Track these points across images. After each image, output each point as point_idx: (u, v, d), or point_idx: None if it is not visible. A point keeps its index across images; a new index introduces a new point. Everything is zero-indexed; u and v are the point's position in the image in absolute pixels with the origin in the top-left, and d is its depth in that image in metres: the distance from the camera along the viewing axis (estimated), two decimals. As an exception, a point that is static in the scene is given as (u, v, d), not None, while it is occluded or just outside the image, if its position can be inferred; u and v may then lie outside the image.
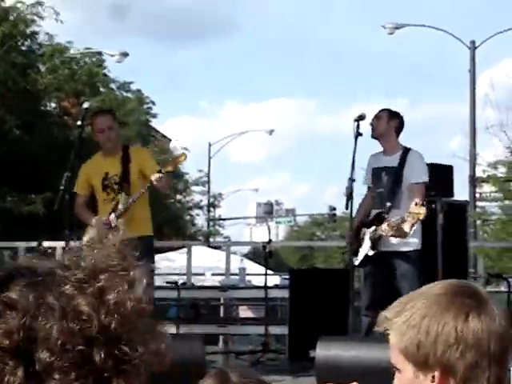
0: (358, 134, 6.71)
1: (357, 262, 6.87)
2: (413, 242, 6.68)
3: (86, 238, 6.61)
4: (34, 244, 11.23)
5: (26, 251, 10.98)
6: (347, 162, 6.68)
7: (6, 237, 14.75)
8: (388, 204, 6.74)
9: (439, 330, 1.76)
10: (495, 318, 1.77)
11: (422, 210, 6.24)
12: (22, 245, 10.81)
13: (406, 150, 6.91)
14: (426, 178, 6.83)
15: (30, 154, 20.73)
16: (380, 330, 1.85)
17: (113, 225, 6.71)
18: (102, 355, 1.02)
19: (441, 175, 8.13)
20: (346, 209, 6.72)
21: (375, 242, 6.72)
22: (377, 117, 6.96)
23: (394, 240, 6.63)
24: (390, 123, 6.93)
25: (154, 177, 6.50)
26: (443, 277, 7.02)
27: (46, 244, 11.74)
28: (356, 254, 6.85)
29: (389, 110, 7.06)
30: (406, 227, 6.38)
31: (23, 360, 1.01)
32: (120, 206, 6.76)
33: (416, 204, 6.29)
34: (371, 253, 6.75)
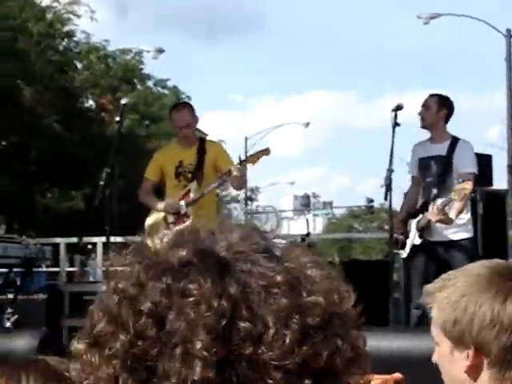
0: (396, 125, 6.65)
1: (404, 255, 6.81)
2: (464, 230, 6.61)
3: (148, 222, 6.83)
4: (74, 240, 11.38)
5: (67, 247, 11.10)
6: (384, 154, 6.64)
7: (46, 232, 14.94)
8: (434, 191, 6.66)
9: (476, 310, 1.78)
10: None
11: (468, 185, 6.18)
12: (62, 240, 10.92)
13: (455, 139, 6.81)
14: (475, 169, 6.73)
15: (68, 150, 20.93)
16: (424, 303, 1.88)
17: (182, 212, 6.71)
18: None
19: (480, 164, 8.06)
20: (385, 199, 6.67)
21: (422, 230, 6.65)
22: (425, 106, 6.79)
23: (443, 229, 6.58)
24: (439, 113, 6.78)
25: (235, 168, 6.46)
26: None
27: (86, 240, 11.90)
28: (403, 246, 6.79)
29: (438, 98, 6.87)
30: (452, 212, 6.37)
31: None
32: (192, 195, 6.73)
33: (460, 182, 6.27)
34: (418, 241, 6.67)
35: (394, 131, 6.65)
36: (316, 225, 51.99)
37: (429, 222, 6.54)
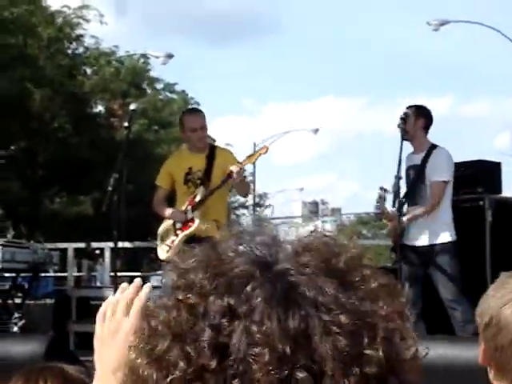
0: (404, 132, 6.68)
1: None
2: (441, 235, 6.68)
3: (160, 229, 6.90)
4: (82, 245, 11.39)
5: (75, 252, 11.10)
6: (394, 161, 6.65)
7: (54, 237, 14.95)
8: (406, 200, 6.81)
9: (484, 308, 1.84)
10: None
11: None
12: (70, 246, 10.93)
13: (432, 147, 6.84)
14: (446, 177, 6.73)
15: (77, 155, 20.96)
16: None
17: (189, 217, 6.73)
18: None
19: (489, 172, 8.05)
20: (393, 207, 6.70)
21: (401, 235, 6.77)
22: (403, 118, 6.79)
23: (418, 234, 6.69)
24: (416, 123, 6.83)
25: (234, 168, 6.46)
26: (492, 274, 6.97)
27: (94, 245, 11.91)
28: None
29: (415, 108, 6.90)
30: (406, 216, 6.66)
31: None
32: (197, 198, 6.76)
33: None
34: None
35: (402, 138, 6.67)
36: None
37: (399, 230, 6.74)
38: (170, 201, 7.15)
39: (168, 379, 0.86)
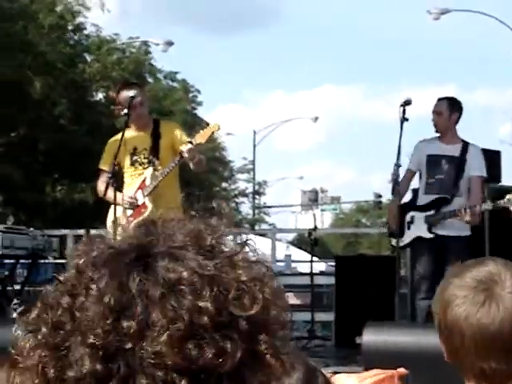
0: (404, 120, 6.67)
1: (402, 244, 6.87)
2: (460, 228, 6.70)
3: (110, 219, 6.34)
4: (81, 232, 11.39)
5: (74, 239, 11.11)
6: (393, 149, 6.66)
7: (55, 224, 14.96)
8: (450, 192, 6.81)
9: (433, 311, 1.84)
10: (491, 315, 1.73)
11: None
12: (70, 232, 10.93)
13: (466, 143, 6.94)
14: (485, 173, 6.93)
15: (78, 143, 20.95)
16: None
17: (139, 202, 6.33)
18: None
19: (488, 160, 8.06)
20: (392, 194, 6.71)
21: (434, 224, 6.73)
22: (437, 112, 6.88)
23: (453, 224, 6.65)
24: (451, 117, 6.91)
25: (185, 148, 6.05)
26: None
27: (93, 232, 11.91)
28: (400, 235, 6.83)
29: (448, 102, 6.94)
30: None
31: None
32: (147, 182, 6.34)
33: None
34: (429, 236, 6.74)
35: (402, 126, 6.68)
36: (324, 219, 51.99)
37: (442, 219, 6.63)
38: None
39: (34, 342, 0.95)
